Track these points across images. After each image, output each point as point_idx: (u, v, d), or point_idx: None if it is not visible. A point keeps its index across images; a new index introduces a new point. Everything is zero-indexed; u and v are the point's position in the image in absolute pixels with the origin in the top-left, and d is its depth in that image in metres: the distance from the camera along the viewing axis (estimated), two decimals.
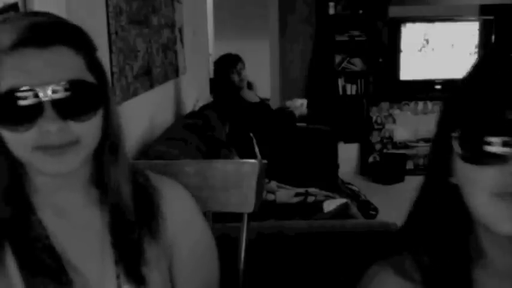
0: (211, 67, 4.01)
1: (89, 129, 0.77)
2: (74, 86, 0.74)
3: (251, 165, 1.17)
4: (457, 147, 0.66)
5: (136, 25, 2.34)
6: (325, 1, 4.93)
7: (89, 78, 0.78)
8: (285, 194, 2.60)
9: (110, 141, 0.83)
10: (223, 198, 1.15)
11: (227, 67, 3.44)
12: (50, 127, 0.72)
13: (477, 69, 0.70)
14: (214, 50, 5.11)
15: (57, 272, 0.79)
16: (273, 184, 2.70)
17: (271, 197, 2.58)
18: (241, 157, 2.74)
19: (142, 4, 2.45)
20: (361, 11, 4.91)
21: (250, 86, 3.64)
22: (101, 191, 0.86)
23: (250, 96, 3.56)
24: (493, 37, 4.99)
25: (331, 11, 4.93)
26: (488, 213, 0.65)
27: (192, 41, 3.54)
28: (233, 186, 1.15)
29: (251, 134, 3.09)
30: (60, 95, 0.73)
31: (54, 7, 1.97)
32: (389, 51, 4.94)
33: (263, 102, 3.68)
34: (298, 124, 3.74)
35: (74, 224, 0.84)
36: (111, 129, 0.83)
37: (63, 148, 0.75)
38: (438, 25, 4.95)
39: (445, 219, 0.74)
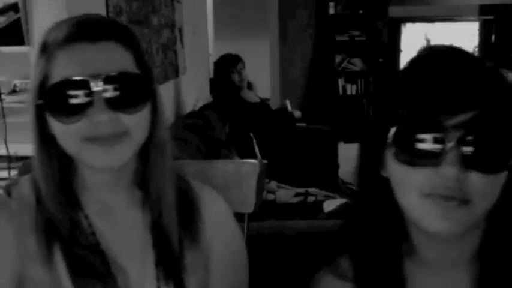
0: (212, 67, 4.00)
1: (138, 122, 0.78)
2: (123, 78, 0.76)
3: (251, 165, 1.17)
4: (391, 147, 0.67)
5: (136, 25, 2.34)
6: (325, 1, 4.93)
7: (137, 72, 0.80)
8: (285, 194, 2.60)
9: (156, 138, 0.84)
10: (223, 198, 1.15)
11: (228, 67, 3.44)
12: (100, 118, 0.74)
13: (411, 68, 0.71)
14: (214, 50, 5.10)
15: (103, 271, 0.80)
16: (273, 184, 2.69)
17: (271, 197, 2.58)
18: (241, 157, 2.74)
19: (142, 4, 2.45)
20: (361, 11, 4.91)
21: (250, 86, 3.64)
22: (143, 192, 0.87)
23: (250, 97, 3.57)
24: (493, 37, 4.99)
25: (331, 11, 4.94)
26: (418, 211, 0.67)
27: (192, 41, 3.53)
28: (233, 186, 1.15)
29: (251, 134, 3.09)
30: (110, 86, 0.74)
31: (54, 7, 1.97)
32: (389, 51, 4.94)
33: (263, 102, 3.68)
34: (298, 124, 3.74)
35: (118, 224, 0.85)
36: (157, 126, 0.84)
37: (114, 139, 0.76)
38: (438, 25, 4.95)
39: (377, 215, 0.76)
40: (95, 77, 0.74)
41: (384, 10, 4.94)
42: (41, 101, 0.77)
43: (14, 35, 1.99)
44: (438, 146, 0.63)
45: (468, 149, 0.63)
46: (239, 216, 1.18)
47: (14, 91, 2.36)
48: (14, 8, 1.97)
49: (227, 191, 1.16)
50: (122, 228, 0.85)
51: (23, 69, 2.22)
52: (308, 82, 5.20)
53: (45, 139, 0.79)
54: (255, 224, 1.07)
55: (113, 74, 0.75)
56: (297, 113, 3.81)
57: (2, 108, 2.11)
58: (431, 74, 0.66)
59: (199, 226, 0.89)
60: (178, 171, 0.92)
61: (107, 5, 2.02)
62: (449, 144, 0.63)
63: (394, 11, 4.98)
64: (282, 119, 3.57)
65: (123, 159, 0.78)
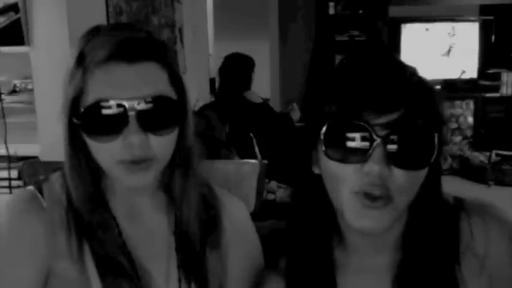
0: (211, 67, 3.99)
1: (165, 144, 0.81)
2: (158, 101, 0.78)
3: (252, 166, 1.17)
4: (322, 145, 0.72)
5: None
6: (325, 1, 4.93)
7: (171, 93, 0.81)
8: (285, 194, 2.60)
9: (182, 155, 0.86)
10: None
11: (250, 66, 3.41)
12: (133, 140, 0.76)
13: (341, 69, 0.75)
14: (214, 50, 5.10)
15: (129, 271, 0.82)
16: (273, 184, 2.69)
17: (271, 197, 2.58)
18: (241, 157, 2.74)
19: (142, 4, 2.45)
20: (361, 11, 4.91)
21: None
22: (169, 197, 0.90)
23: (254, 97, 3.55)
24: (493, 37, 4.99)
25: (331, 11, 4.93)
26: (346, 207, 0.72)
27: (192, 41, 3.54)
28: (234, 186, 1.15)
29: (251, 134, 3.08)
30: (145, 109, 0.76)
31: (54, 7, 1.97)
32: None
33: (265, 103, 3.67)
34: (298, 124, 3.73)
35: (143, 226, 0.88)
36: (184, 143, 0.86)
37: (142, 165, 0.78)
38: (438, 25, 4.95)
39: (310, 209, 0.81)
40: (131, 99, 0.76)
41: (384, 10, 4.94)
42: (76, 120, 0.79)
43: (14, 35, 1.99)
44: (365, 144, 0.68)
45: (392, 147, 0.68)
46: None
47: (14, 91, 2.36)
48: (14, 8, 1.98)
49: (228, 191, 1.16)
50: (147, 231, 0.88)
51: (23, 69, 2.22)
52: (308, 82, 5.20)
53: (76, 146, 0.82)
54: (255, 224, 1.08)
55: (148, 98, 0.77)
56: (296, 114, 3.80)
57: (2, 108, 2.11)
58: (359, 76, 0.71)
59: (221, 231, 0.91)
60: (203, 177, 0.94)
61: (107, 5, 2.02)
62: (375, 143, 0.67)
63: (394, 11, 4.98)
64: (284, 122, 3.57)
65: (149, 181, 0.82)
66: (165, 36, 2.87)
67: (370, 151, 0.68)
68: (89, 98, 0.77)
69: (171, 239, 0.88)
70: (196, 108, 3.24)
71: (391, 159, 0.68)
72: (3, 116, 2.10)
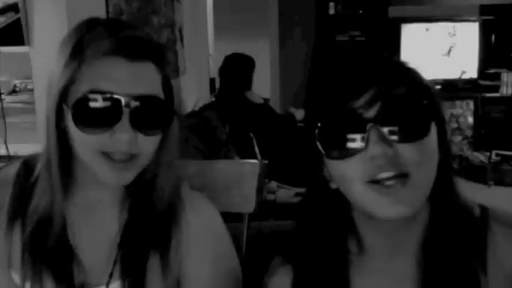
0: (211, 67, 3.99)
1: (150, 144, 0.81)
2: (151, 101, 0.79)
3: (252, 166, 1.17)
4: (321, 150, 0.71)
5: None
6: (325, 1, 4.92)
7: (162, 95, 0.82)
8: (285, 194, 2.60)
9: (163, 157, 0.86)
10: (224, 199, 1.15)
11: (251, 66, 3.41)
12: (122, 136, 0.76)
13: (323, 75, 0.77)
14: (214, 50, 5.10)
15: (60, 260, 0.83)
16: (273, 184, 2.69)
17: (271, 197, 2.58)
18: (241, 157, 2.74)
19: (142, 4, 2.45)
20: (361, 11, 4.91)
21: None
22: (127, 190, 0.88)
23: (255, 98, 3.55)
24: (493, 37, 4.99)
25: (331, 11, 4.93)
26: (366, 201, 0.70)
27: (192, 41, 3.54)
28: (234, 186, 1.15)
29: (251, 134, 3.08)
30: (139, 107, 0.77)
31: (54, 7, 1.97)
32: (389, 51, 4.94)
33: (266, 104, 3.67)
34: (299, 124, 3.74)
35: (93, 218, 0.88)
36: (167, 145, 0.86)
37: (125, 162, 0.78)
38: (438, 25, 4.94)
39: (325, 213, 0.80)
40: (127, 95, 0.76)
41: (384, 10, 4.94)
42: (66, 108, 0.78)
43: (14, 35, 1.99)
44: (359, 131, 0.68)
45: (386, 125, 0.67)
46: (239, 216, 1.18)
47: (14, 91, 2.36)
48: (14, 8, 1.98)
49: (228, 191, 1.16)
50: (95, 223, 0.88)
51: (23, 69, 2.22)
52: (308, 82, 5.20)
53: (58, 134, 0.81)
54: (255, 224, 1.08)
55: (144, 96, 0.77)
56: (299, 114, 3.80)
57: (2, 108, 2.11)
58: (335, 73, 0.73)
59: (176, 231, 0.89)
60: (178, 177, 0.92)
61: (107, 5, 2.02)
62: (367, 126, 0.67)
63: (394, 11, 4.98)
64: (285, 123, 3.56)
65: (128, 181, 0.82)
66: (165, 36, 2.87)
67: (366, 136, 0.67)
68: (83, 88, 0.77)
69: (116, 235, 0.87)
70: (196, 108, 3.24)
71: (389, 137, 0.67)
72: (3, 116, 2.10)
